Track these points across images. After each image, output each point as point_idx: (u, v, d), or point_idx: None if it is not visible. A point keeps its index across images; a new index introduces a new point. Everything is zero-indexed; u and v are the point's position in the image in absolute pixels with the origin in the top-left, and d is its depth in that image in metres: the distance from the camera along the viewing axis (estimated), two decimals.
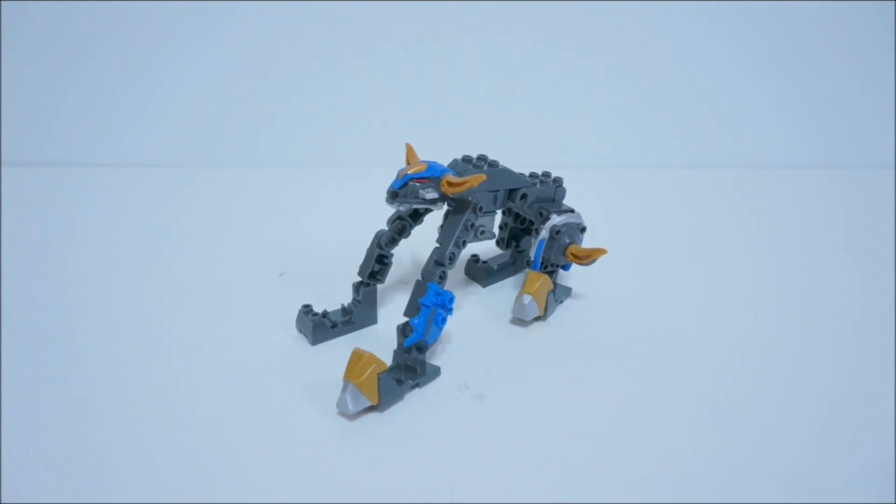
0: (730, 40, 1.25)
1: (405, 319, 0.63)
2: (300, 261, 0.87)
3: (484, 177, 0.63)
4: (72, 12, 1.14)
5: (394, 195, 0.62)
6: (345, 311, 0.72)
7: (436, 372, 0.65)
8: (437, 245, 0.65)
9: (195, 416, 0.59)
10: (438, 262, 0.63)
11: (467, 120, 1.26)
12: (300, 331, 0.71)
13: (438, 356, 0.68)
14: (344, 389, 0.58)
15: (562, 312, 0.77)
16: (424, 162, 0.64)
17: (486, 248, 0.88)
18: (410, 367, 0.63)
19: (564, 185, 0.79)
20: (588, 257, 0.74)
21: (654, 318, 0.77)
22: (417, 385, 0.63)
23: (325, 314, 0.70)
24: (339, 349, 0.68)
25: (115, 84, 1.18)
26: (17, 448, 0.55)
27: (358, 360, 0.58)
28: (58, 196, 1.06)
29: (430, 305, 0.62)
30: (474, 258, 0.84)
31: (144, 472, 0.53)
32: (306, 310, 0.70)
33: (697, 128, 1.30)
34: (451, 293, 0.63)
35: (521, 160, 0.88)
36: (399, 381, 0.61)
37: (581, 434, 0.58)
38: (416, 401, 0.62)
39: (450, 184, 0.63)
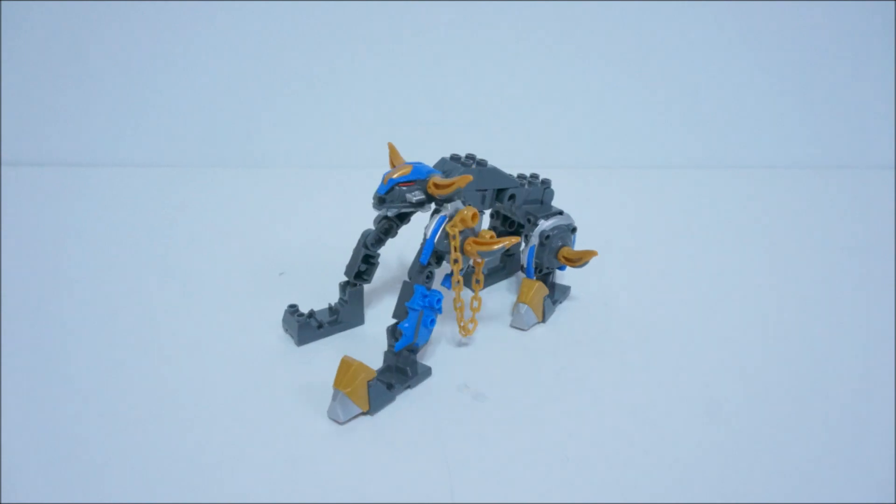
0: (729, 40, 1.25)
1: (394, 320, 0.63)
2: (300, 261, 0.87)
3: (471, 177, 0.62)
4: (72, 12, 1.14)
5: (381, 201, 0.62)
6: (331, 310, 0.72)
7: (427, 372, 0.65)
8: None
9: (194, 417, 0.59)
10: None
11: (465, 119, 1.26)
12: (286, 331, 0.71)
13: (438, 356, 0.68)
14: (334, 398, 0.58)
15: (561, 312, 0.77)
16: (409, 164, 0.63)
17: None
18: (401, 369, 0.63)
19: (563, 184, 0.78)
20: (580, 260, 0.74)
21: (655, 317, 0.77)
22: (409, 387, 0.63)
23: (311, 314, 0.70)
24: (327, 349, 0.68)
25: (115, 84, 1.18)
26: (17, 448, 0.55)
27: (347, 368, 0.58)
28: (58, 196, 1.06)
29: (417, 309, 0.62)
30: None
31: (140, 472, 0.53)
32: (292, 310, 0.70)
33: (696, 128, 1.30)
34: (439, 293, 0.63)
35: (518, 161, 0.89)
36: (390, 386, 0.61)
37: (581, 434, 0.58)
38: (416, 401, 0.62)
39: (437, 186, 0.62)
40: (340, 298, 0.72)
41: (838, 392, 0.65)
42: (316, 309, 0.72)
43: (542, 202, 0.77)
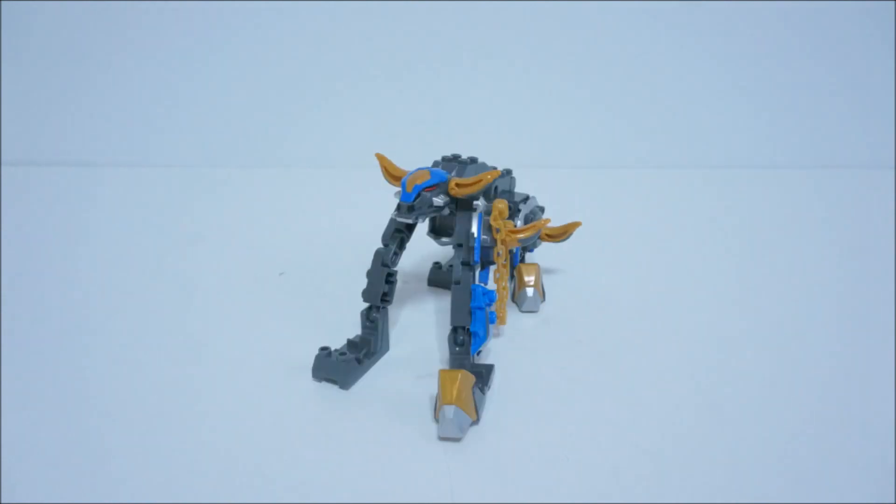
0: (728, 39, 1.26)
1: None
2: (300, 261, 0.87)
3: (499, 172, 0.61)
4: (72, 12, 1.14)
5: (410, 209, 0.60)
6: (359, 343, 0.65)
7: (491, 369, 0.64)
8: (458, 245, 0.63)
9: (192, 417, 0.59)
10: (466, 263, 0.62)
11: (465, 119, 1.26)
12: (323, 379, 0.63)
13: (438, 356, 0.68)
14: (447, 415, 0.55)
15: (561, 312, 0.77)
16: (424, 169, 0.63)
17: (446, 252, 0.86)
18: (477, 371, 0.61)
19: (563, 184, 0.79)
20: (564, 233, 0.75)
21: (655, 317, 0.77)
22: (488, 388, 0.62)
23: (343, 352, 0.64)
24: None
25: (116, 84, 1.19)
26: (17, 448, 0.55)
27: (453, 381, 0.56)
28: (58, 196, 1.06)
29: (483, 307, 0.61)
30: (437, 265, 0.82)
31: (140, 472, 0.53)
32: (327, 352, 0.63)
33: (696, 128, 1.30)
34: (493, 291, 0.63)
35: (518, 160, 0.89)
36: (480, 389, 0.60)
37: (581, 434, 0.58)
38: (416, 401, 0.62)
39: (459, 186, 0.61)
40: (367, 327, 0.66)
41: (838, 392, 0.65)
42: (321, 308, 0.70)
43: (510, 191, 0.78)
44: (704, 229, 1.03)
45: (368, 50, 1.21)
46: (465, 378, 0.57)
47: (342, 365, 0.62)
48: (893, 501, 0.52)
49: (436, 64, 1.23)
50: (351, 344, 0.65)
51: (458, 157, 0.72)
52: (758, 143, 1.32)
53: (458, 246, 0.64)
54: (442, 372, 0.57)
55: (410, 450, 0.56)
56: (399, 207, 0.61)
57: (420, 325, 0.73)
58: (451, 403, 0.55)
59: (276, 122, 1.24)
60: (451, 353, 0.62)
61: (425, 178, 0.61)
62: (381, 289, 0.65)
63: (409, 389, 0.63)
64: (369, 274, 0.65)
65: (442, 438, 0.56)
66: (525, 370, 0.67)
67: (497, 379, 0.65)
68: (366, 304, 0.66)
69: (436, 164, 0.71)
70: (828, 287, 0.85)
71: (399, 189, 0.62)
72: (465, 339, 0.61)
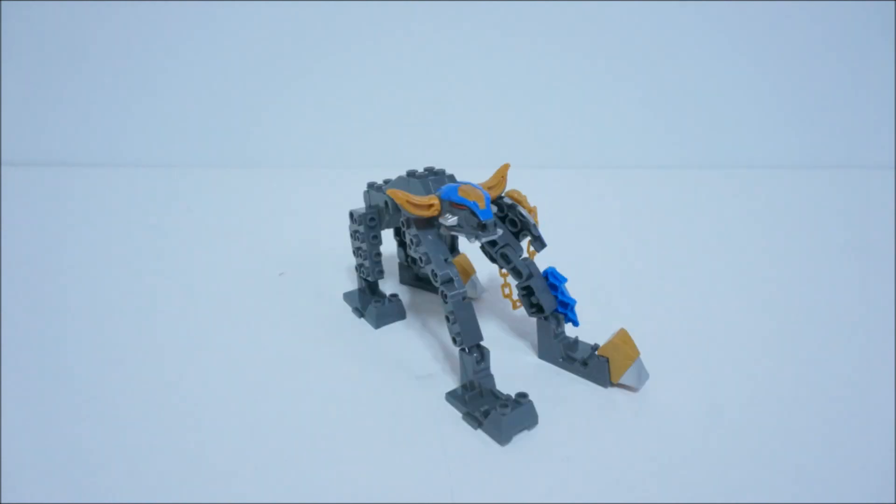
0: (730, 40, 1.26)
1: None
2: (300, 261, 0.87)
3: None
4: (71, 13, 1.14)
5: (495, 224, 0.61)
6: (484, 386, 0.62)
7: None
8: (507, 245, 0.67)
9: (189, 414, 0.59)
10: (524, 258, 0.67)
11: (463, 118, 1.26)
12: (512, 436, 0.58)
13: (438, 357, 0.68)
14: (641, 364, 0.63)
15: None
16: (475, 187, 0.63)
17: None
18: (573, 342, 0.68)
19: (563, 184, 0.79)
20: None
21: (655, 317, 0.77)
22: None
23: (524, 393, 0.60)
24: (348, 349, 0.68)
25: (115, 85, 1.19)
26: (17, 448, 0.55)
27: (625, 340, 0.63)
28: (58, 196, 1.06)
29: (564, 281, 0.67)
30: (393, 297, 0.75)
31: (138, 471, 0.53)
32: (509, 406, 0.58)
33: (697, 128, 1.30)
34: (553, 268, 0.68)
35: (519, 161, 0.88)
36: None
37: (581, 434, 0.58)
38: (416, 401, 0.62)
39: (490, 189, 0.66)
40: (482, 369, 0.62)
41: (838, 392, 0.65)
42: (322, 308, 0.71)
43: None
44: (704, 229, 1.03)
45: (368, 52, 1.21)
46: (624, 331, 0.64)
47: (530, 409, 0.59)
48: (893, 502, 0.52)
49: (434, 65, 1.23)
50: (477, 397, 0.61)
51: (433, 169, 0.71)
52: (758, 144, 1.32)
53: (504, 245, 0.68)
54: (610, 341, 0.63)
55: (410, 450, 0.56)
56: (486, 227, 0.60)
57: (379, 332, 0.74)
58: (638, 355, 0.63)
59: (276, 123, 1.24)
60: (557, 336, 0.67)
61: (483, 193, 0.62)
62: (478, 323, 0.61)
63: (409, 392, 0.63)
64: (459, 314, 0.60)
65: (641, 385, 0.63)
66: (525, 370, 0.67)
67: (497, 379, 0.65)
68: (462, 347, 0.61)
69: (401, 179, 0.70)
70: (827, 286, 0.85)
71: (455, 213, 0.62)
72: (560, 320, 0.67)
